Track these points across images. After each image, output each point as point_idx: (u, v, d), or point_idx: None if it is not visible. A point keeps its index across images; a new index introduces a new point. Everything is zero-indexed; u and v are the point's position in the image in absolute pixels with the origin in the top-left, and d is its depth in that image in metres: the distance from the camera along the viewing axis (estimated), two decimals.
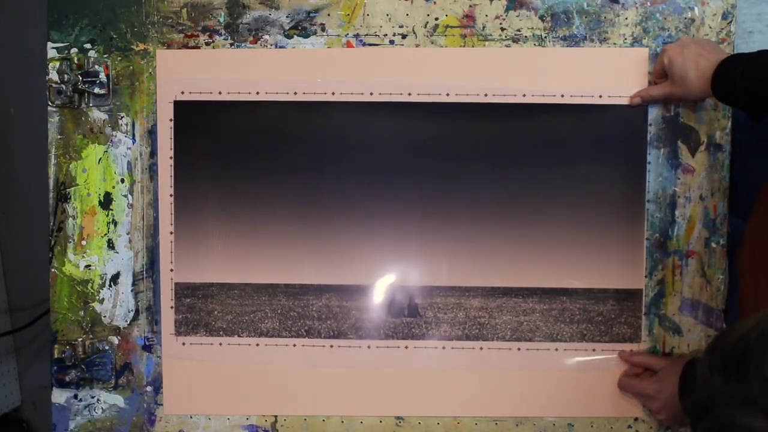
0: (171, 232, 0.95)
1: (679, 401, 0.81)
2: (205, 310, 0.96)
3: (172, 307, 0.96)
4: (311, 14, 0.95)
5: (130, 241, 0.97)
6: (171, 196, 0.95)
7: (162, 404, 0.97)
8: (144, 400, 0.98)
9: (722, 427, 0.39)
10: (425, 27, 0.94)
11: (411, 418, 0.96)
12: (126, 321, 0.97)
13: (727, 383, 0.39)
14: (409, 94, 0.94)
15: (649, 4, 0.93)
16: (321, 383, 0.95)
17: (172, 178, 0.95)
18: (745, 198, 0.87)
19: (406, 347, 0.95)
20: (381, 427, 0.96)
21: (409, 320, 0.95)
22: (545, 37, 0.93)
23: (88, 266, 0.97)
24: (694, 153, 0.93)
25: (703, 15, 0.92)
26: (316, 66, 0.94)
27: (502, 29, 0.94)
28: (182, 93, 0.95)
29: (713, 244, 0.94)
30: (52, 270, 0.97)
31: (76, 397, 0.98)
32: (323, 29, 0.95)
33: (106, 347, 0.97)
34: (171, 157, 0.95)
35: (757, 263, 0.81)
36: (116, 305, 0.97)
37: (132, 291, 0.97)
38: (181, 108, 0.95)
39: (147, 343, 0.97)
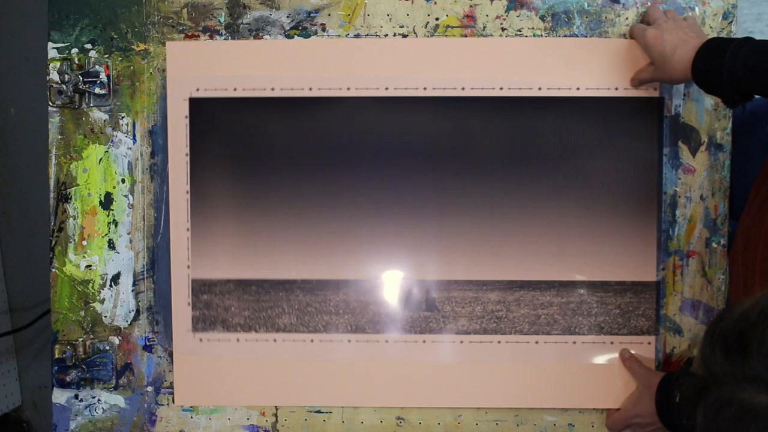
0: (187, 229, 0.96)
1: (658, 417, 0.81)
2: (222, 306, 0.96)
3: (189, 304, 0.96)
4: (312, 14, 0.95)
5: (130, 241, 0.97)
6: (187, 192, 0.95)
7: (163, 404, 0.97)
8: (144, 401, 0.98)
9: (725, 404, 0.39)
10: (426, 27, 0.94)
11: (412, 418, 0.96)
12: (127, 321, 0.97)
13: (729, 361, 0.39)
14: (425, 89, 0.94)
15: (649, 3, 0.93)
16: (336, 378, 0.96)
17: (188, 175, 0.95)
18: (744, 198, 0.87)
19: (424, 341, 0.95)
20: (381, 427, 0.96)
21: (426, 314, 0.95)
22: (546, 37, 0.93)
23: (88, 266, 0.97)
24: (695, 153, 0.93)
25: (703, 15, 0.92)
26: (331, 61, 0.94)
27: (503, 29, 0.94)
28: (197, 90, 0.95)
29: (714, 244, 0.94)
30: (53, 270, 0.97)
31: (76, 397, 0.98)
32: (324, 29, 0.95)
33: (107, 347, 0.97)
34: (187, 154, 0.95)
35: (748, 259, 0.81)
36: (117, 305, 0.97)
37: (133, 291, 0.97)
38: (196, 105, 0.95)
39: (148, 343, 0.97)
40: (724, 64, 0.77)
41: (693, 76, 0.81)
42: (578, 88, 0.93)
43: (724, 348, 0.40)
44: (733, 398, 0.38)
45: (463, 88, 0.93)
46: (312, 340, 0.96)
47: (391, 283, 0.95)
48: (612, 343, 0.94)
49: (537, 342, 0.94)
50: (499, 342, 0.95)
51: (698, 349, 0.42)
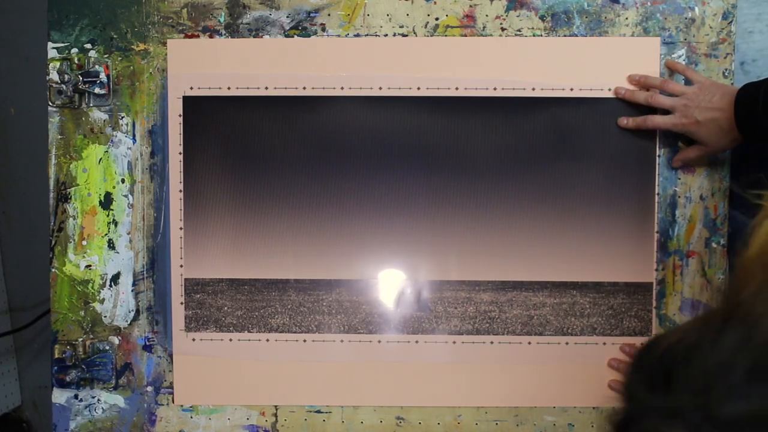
0: (180, 228, 0.96)
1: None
2: (215, 306, 0.96)
3: (182, 303, 0.96)
4: (311, 14, 0.95)
5: (130, 241, 0.97)
6: (180, 192, 0.95)
7: (163, 404, 0.97)
8: (144, 400, 0.98)
9: None
10: (425, 27, 0.94)
11: (411, 418, 0.96)
12: (126, 321, 0.97)
13: (653, 395, 0.40)
14: (418, 89, 0.94)
15: (649, 3, 0.93)
16: (331, 378, 0.96)
17: (182, 174, 0.95)
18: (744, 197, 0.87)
19: (417, 342, 0.95)
20: (381, 427, 0.96)
21: (419, 315, 0.95)
22: (545, 37, 0.93)
23: (88, 266, 0.97)
24: None
25: (703, 15, 0.92)
26: (325, 60, 0.94)
27: (503, 29, 0.94)
28: (191, 89, 0.95)
29: (714, 244, 0.94)
30: (53, 270, 0.97)
31: (76, 397, 0.98)
32: (323, 29, 0.95)
33: (107, 347, 0.97)
34: (180, 153, 0.95)
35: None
36: (117, 305, 0.97)
37: (132, 291, 0.97)
38: (190, 103, 0.95)
39: (147, 343, 0.97)
40: (759, 102, 0.78)
41: (742, 134, 0.82)
42: (572, 89, 0.93)
43: (649, 382, 0.40)
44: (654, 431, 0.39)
45: (457, 88, 0.94)
46: (305, 340, 0.96)
47: (384, 283, 0.95)
48: (605, 344, 0.94)
49: (530, 342, 0.94)
50: (491, 342, 0.95)
51: (624, 379, 0.43)
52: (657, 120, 0.89)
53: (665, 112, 0.89)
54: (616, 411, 0.42)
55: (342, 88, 0.94)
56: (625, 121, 0.91)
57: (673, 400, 0.38)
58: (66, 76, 0.95)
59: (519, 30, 0.94)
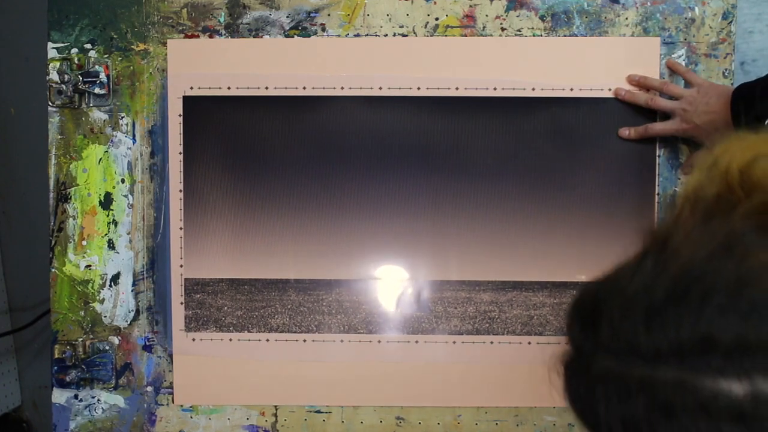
0: (180, 228, 0.96)
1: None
2: (215, 305, 0.96)
3: (182, 303, 0.96)
4: (311, 14, 0.95)
5: (130, 241, 0.97)
6: (180, 192, 0.95)
7: (163, 404, 0.97)
8: (144, 400, 0.98)
9: (582, 372, 0.42)
10: (425, 27, 0.94)
11: (411, 418, 0.96)
12: (126, 321, 0.97)
13: (584, 334, 0.42)
14: (418, 89, 0.94)
15: (649, 4, 0.93)
16: (331, 378, 0.96)
17: (182, 174, 0.95)
18: None
19: (417, 342, 0.95)
20: (381, 427, 0.96)
21: (419, 315, 0.95)
22: (545, 37, 0.93)
23: (88, 266, 0.97)
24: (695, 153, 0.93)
25: (703, 15, 0.92)
26: (325, 60, 0.94)
27: (503, 29, 0.94)
28: (191, 88, 0.95)
29: None
30: (53, 270, 0.97)
31: (76, 397, 0.98)
32: (323, 29, 0.95)
33: (107, 347, 0.97)
34: (180, 153, 0.95)
35: None
36: (116, 305, 0.97)
37: (132, 291, 0.97)
38: (190, 103, 0.95)
39: (147, 343, 0.97)
40: (756, 94, 0.79)
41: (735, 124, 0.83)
42: (572, 89, 0.93)
43: (582, 321, 0.43)
44: (590, 366, 0.41)
45: (457, 88, 0.93)
46: (305, 340, 0.96)
47: (384, 283, 0.95)
48: None
49: (530, 342, 0.94)
50: (491, 342, 0.95)
51: (565, 324, 0.45)
52: (658, 128, 0.89)
53: (665, 113, 0.89)
54: (563, 353, 0.44)
55: (342, 88, 0.94)
56: (627, 132, 0.92)
57: (599, 335, 0.40)
58: (66, 76, 0.95)
59: (519, 30, 0.94)
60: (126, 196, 0.97)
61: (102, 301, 0.97)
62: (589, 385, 0.41)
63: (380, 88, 0.94)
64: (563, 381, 0.44)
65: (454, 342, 0.95)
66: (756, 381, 0.35)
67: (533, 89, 0.93)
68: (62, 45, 0.96)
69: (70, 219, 0.97)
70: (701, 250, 0.38)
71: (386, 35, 0.94)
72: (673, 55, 0.92)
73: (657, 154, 0.93)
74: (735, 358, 0.35)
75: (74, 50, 0.96)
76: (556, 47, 0.93)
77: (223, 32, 0.95)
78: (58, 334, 0.97)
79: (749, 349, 0.35)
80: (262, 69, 0.94)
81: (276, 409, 0.97)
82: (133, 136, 0.96)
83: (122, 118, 0.96)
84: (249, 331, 0.96)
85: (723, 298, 0.36)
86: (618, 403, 0.39)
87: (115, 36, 0.96)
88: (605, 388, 0.40)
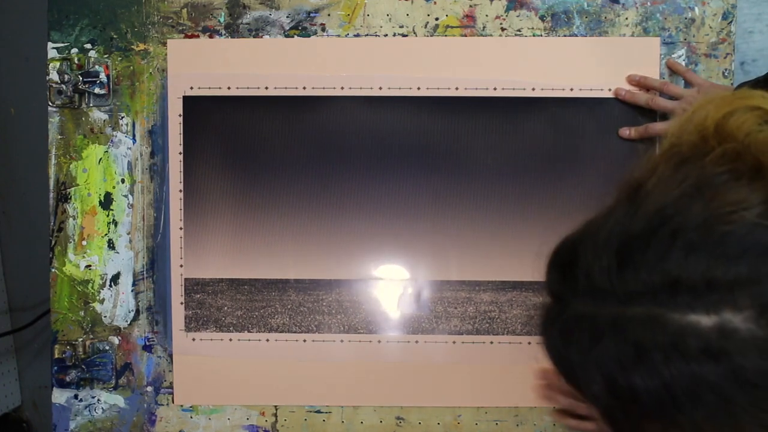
0: (180, 228, 0.96)
1: None
2: (215, 305, 0.96)
3: (182, 303, 0.96)
4: (311, 14, 0.95)
5: (130, 241, 0.97)
6: (180, 192, 0.95)
7: (163, 404, 0.98)
8: (144, 400, 0.98)
9: (557, 318, 0.42)
10: (425, 27, 0.94)
11: (411, 418, 0.96)
12: (126, 321, 0.97)
13: (560, 281, 0.43)
14: (418, 89, 0.94)
15: (649, 4, 0.93)
16: (331, 378, 0.96)
17: (182, 174, 0.95)
18: None
19: (417, 342, 0.95)
20: (381, 427, 0.96)
21: (419, 315, 0.95)
22: (545, 37, 0.93)
23: (88, 266, 0.97)
24: None
25: (703, 15, 0.92)
26: (325, 60, 0.94)
27: (503, 29, 0.94)
28: (191, 88, 0.95)
29: None
30: (53, 270, 0.97)
31: (76, 397, 0.98)
32: (323, 29, 0.95)
33: (107, 347, 0.97)
34: (180, 153, 0.95)
35: None
36: (116, 305, 0.97)
37: (132, 291, 0.97)
38: (190, 103, 0.95)
39: (147, 343, 0.97)
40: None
41: None
42: (572, 89, 0.93)
43: (560, 270, 0.44)
44: (572, 314, 0.41)
45: (456, 88, 0.93)
46: (305, 340, 0.96)
47: (384, 283, 0.95)
48: None
49: (530, 342, 0.94)
50: (491, 342, 0.95)
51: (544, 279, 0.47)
52: (658, 128, 0.89)
53: (665, 113, 0.89)
54: (542, 306, 0.45)
55: (342, 88, 0.94)
56: (627, 132, 0.92)
57: (575, 281, 0.41)
58: (66, 76, 0.95)
59: (519, 30, 0.94)
60: (126, 196, 0.97)
61: (102, 301, 0.97)
62: (563, 329, 0.41)
63: (380, 88, 0.94)
64: (540, 332, 0.44)
65: (454, 342, 0.95)
66: (723, 315, 0.35)
67: (533, 89, 0.93)
68: (62, 45, 0.96)
69: (70, 219, 0.97)
70: (672, 191, 0.39)
71: (386, 35, 0.94)
72: (673, 55, 0.92)
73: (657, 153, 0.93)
74: (703, 294, 0.36)
75: (74, 50, 0.96)
76: (556, 47, 0.93)
77: (223, 32, 0.95)
78: (58, 334, 0.98)
79: (717, 285, 0.36)
80: (262, 69, 0.94)
81: (276, 409, 0.97)
82: (133, 136, 0.96)
83: (122, 118, 0.96)
84: (249, 331, 0.96)
85: (692, 237, 0.37)
86: (590, 345, 0.39)
87: (115, 36, 0.96)
88: (579, 330, 0.40)
